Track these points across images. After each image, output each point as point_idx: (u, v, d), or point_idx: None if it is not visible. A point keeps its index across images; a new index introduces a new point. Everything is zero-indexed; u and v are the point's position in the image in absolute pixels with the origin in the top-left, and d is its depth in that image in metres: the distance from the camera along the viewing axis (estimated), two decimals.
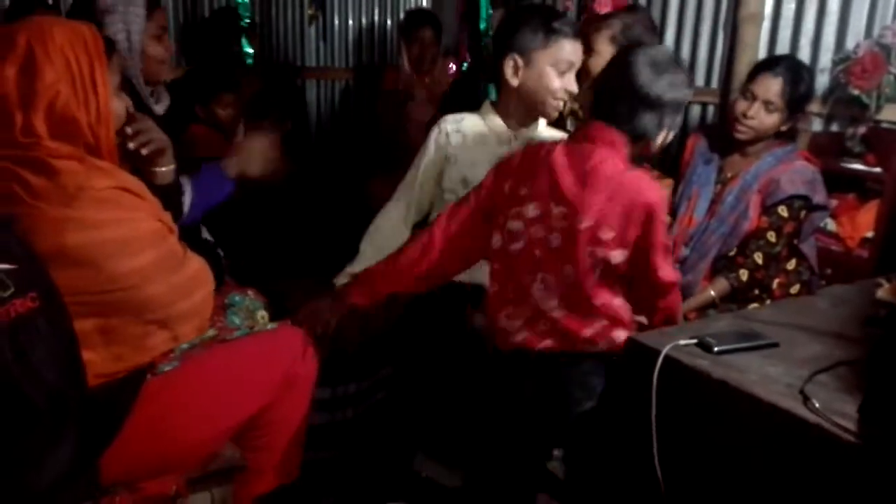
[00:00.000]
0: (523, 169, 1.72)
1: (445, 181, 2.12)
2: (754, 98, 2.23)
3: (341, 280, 2.08)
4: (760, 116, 2.23)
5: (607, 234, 1.62)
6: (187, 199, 1.87)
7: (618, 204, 1.61)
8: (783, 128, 2.27)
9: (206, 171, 1.96)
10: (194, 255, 1.55)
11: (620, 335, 1.65)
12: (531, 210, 1.69)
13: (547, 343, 1.71)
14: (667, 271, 1.68)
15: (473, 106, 2.22)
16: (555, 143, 1.74)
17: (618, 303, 1.71)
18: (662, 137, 1.68)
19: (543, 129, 2.16)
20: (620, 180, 1.62)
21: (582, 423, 1.65)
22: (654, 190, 1.65)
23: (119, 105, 1.51)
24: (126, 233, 1.38)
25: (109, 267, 1.34)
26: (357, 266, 2.09)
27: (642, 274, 1.67)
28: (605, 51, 2.41)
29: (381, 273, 1.86)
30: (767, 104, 2.22)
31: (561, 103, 2.07)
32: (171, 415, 1.52)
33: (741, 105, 2.26)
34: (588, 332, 1.69)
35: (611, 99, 1.65)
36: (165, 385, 1.51)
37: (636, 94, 1.60)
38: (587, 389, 1.68)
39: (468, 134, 2.11)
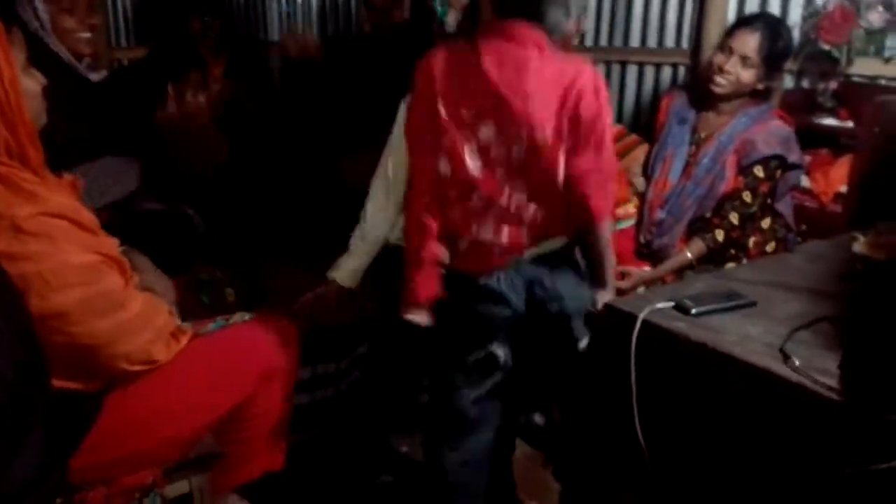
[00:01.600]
0: (456, 87, 1.58)
1: None
2: (731, 53, 2.22)
3: (336, 273, 2.05)
4: (737, 71, 2.22)
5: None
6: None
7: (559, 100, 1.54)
8: (760, 86, 2.25)
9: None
10: (137, 294, 1.44)
11: None
12: (485, 131, 1.57)
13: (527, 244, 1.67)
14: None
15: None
16: (468, 46, 1.59)
17: None
18: (574, 26, 1.61)
19: None
20: (560, 78, 1.55)
21: (565, 389, 1.64)
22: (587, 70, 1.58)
23: (31, 83, 1.37)
24: (47, 268, 1.26)
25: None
26: (351, 261, 2.05)
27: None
28: None
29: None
30: (744, 59, 2.21)
31: None
32: (144, 412, 1.48)
33: (718, 58, 2.25)
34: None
35: None
36: (138, 381, 1.46)
37: None
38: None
39: None
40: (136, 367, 1.44)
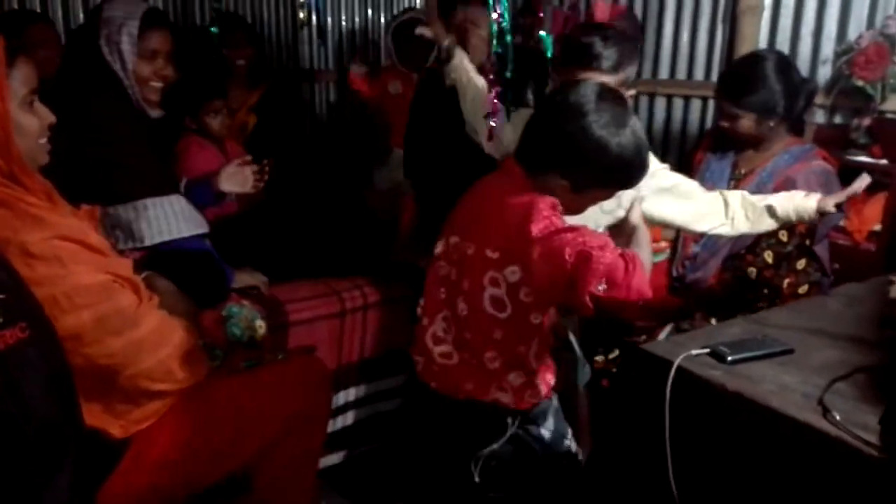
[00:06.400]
0: None
1: None
2: (723, 115, 2.24)
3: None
4: (737, 127, 2.21)
5: (493, 254, 1.50)
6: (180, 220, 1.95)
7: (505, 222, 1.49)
8: (771, 123, 2.19)
9: (194, 188, 2.11)
10: (152, 312, 1.45)
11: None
12: (438, 247, 1.62)
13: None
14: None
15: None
16: None
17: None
18: None
19: None
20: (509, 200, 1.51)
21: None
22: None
23: (28, 119, 1.34)
24: (59, 291, 1.28)
25: None
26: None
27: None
28: None
29: None
30: (733, 117, 2.20)
31: None
32: (172, 450, 1.47)
33: (721, 122, 2.27)
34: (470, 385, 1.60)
35: None
36: (167, 418, 1.47)
37: None
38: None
39: None
40: (160, 386, 1.44)
